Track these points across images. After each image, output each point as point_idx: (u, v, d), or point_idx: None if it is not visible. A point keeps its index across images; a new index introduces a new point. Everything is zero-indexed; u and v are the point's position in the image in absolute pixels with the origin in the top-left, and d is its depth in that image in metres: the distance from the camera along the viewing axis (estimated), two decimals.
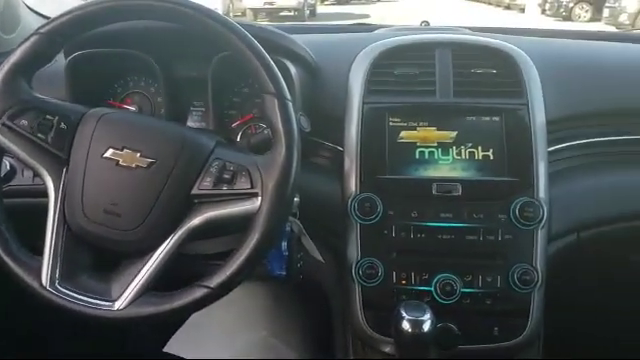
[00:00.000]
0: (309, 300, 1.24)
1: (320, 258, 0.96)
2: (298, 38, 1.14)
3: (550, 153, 1.00)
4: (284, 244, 0.90)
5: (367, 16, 11.42)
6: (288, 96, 0.79)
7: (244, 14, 13.74)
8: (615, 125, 1.08)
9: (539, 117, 0.99)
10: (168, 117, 1.06)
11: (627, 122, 1.09)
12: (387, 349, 0.93)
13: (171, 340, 1.30)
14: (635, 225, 1.02)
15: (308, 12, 14.09)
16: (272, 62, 0.80)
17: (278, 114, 0.78)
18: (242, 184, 0.77)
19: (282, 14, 13.88)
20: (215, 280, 0.75)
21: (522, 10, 16.68)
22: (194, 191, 0.77)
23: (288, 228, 0.90)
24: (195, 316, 1.15)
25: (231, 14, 13.58)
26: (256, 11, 13.56)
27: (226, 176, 0.77)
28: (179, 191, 0.77)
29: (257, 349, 1.21)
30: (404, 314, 0.84)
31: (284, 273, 0.91)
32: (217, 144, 0.80)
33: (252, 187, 0.76)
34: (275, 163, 0.76)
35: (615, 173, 1.05)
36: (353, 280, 0.96)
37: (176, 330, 1.31)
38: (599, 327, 1.26)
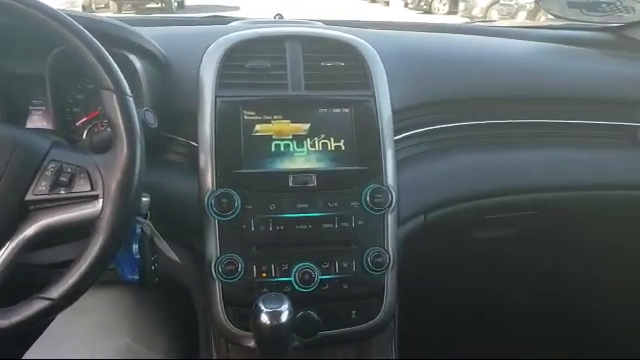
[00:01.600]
0: (173, 301, 1.20)
1: (176, 259, 0.93)
2: (149, 31, 1.10)
3: (397, 141, 1.05)
4: (135, 247, 0.86)
5: (237, 8, 11.29)
6: (128, 91, 0.76)
7: (107, 6, 13.03)
8: (458, 112, 1.16)
9: (385, 108, 1.03)
10: (4, 118, 0.97)
11: (470, 109, 1.17)
12: (250, 344, 0.93)
13: (27, 353, 1.21)
14: (475, 205, 1.10)
15: (176, 4, 13.65)
16: (109, 56, 0.76)
17: (117, 110, 0.74)
18: (81, 186, 0.73)
19: (149, 6, 13.33)
20: (56, 291, 0.71)
21: (387, 3, 17.41)
22: (28, 197, 0.72)
23: (139, 230, 0.87)
24: (53, 326, 1.08)
25: (93, 6, 12.82)
26: (120, 3, 12.90)
27: (63, 179, 0.73)
28: (11, 198, 0.71)
29: (120, 356, 1.15)
30: (262, 307, 0.84)
31: (137, 277, 0.88)
32: (53, 145, 0.75)
33: (92, 189, 0.73)
34: (116, 162, 0.73)
35: (457, 157, 1.13)
36: (213, 278, 0.95)
37: (33, 342, 1.22)
38: (451, 304, 1.35)
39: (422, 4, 14.72)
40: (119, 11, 12.62)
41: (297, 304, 0.92)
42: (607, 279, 1.44)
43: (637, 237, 1.33)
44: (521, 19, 9.64)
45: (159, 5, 13.30)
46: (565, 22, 1.62)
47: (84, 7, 11.45)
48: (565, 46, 1.38)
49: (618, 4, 1.39)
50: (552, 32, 1.52)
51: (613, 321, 1.46)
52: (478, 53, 1.26)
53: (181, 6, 14.19)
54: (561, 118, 1.19)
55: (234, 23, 1.30)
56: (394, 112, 1.05)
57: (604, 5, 1.41)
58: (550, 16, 1.59)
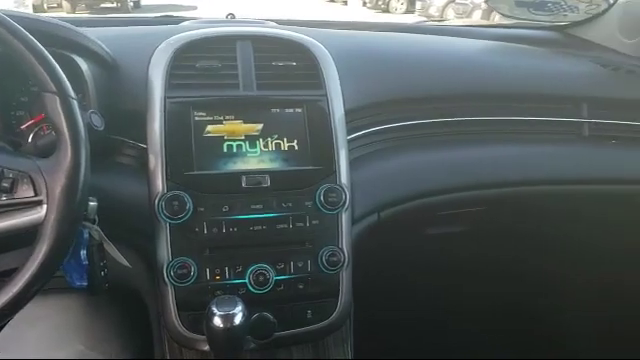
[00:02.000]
0: (126, 307, 1.18)
1: (126, 264, 0.91)
2: (98, 32, 1.07)
3: (350, 141, 1.06)
4: (83, 253, 0.84)
5: (194, 8, 11.17)
6: (72, 94, 0.75)
7: (60, 6, 12.70)
8: (410, 111, 1.17)
9: (338, 107, 1.04)
10: None
11: (421, 108, 1.18)
12: (205, 347, 0.92)
13: None
14: (427, 202, 1.11)
15: (132, 4, 13.41)
16: (51, 58, 0.74)
17: (61, 114, 0.73)
18: (24, 192, 0.71)
19: (103, 5, 13.06)
20: None
21: (345, 2, 17.49)
22: None
23: (86, 235, 0.85)
24: (2, 337, 1.05)
25: (45, 5, 12.49)
26: (73, 3, 12.59)
27: (5, 184, 0.71)
28: None
29: None
30: (215, 310, 0.83)
31: (85, 283, 0.85)
32: None
33: (36, 195, 0.71)
34: (60, 167, 0.71)
35: (409, 155, 1.14)
36: (165, 282, 0.94)
37: None
38: (406, 301, 1.37)
39: (380, 3, 14.84)
40: (72, 11, 12.33)
41: (252, 306, 0.92)
42: (559, 273, 1.49)
43: (586, 230, 1.37)
44: (476, 18, 9.82)
45: (114, 5, 13.04)
46: (515, 21, 1.66)
47: (35, 7, 11.15)
48: (515, 45, 1.42)
49: (563, 3, 1.43)
50: (503, 31, 1.56)
51: (566, 315, 1.50)
52: (430, 52, 1.28)
53: (137, 6, 13.93)
54: (510, 115, 1.21)
55: (185, 23, 1.28)
56: (347, 112, 1.05)
57: (550, 4, 1.45)
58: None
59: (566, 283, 1.38)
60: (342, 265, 0.98)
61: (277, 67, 1.05)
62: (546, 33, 1.53)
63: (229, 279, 0.95)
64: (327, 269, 0.97)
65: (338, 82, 1.06)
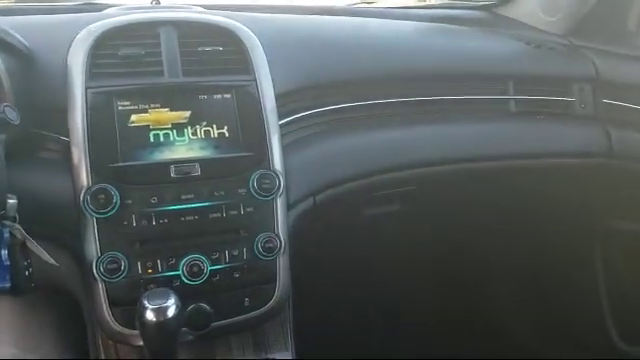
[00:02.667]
0: (60, 307, 1.14)
1: (52, 261, 0.88)
2: (11, 20, 1.02)
3: (282, 125, 1.05)
4: (4, 253, 0.81)
5: None
6: None
7: None
8: (341, 94, 1.17)
9: (268, 92, 1.02)
10: None
11: (352, 90, 1.18)
12: (139, 342, 0.90)
13: None
14: (361, 183, 1.12)
15: None
16: None
17: None
18: None
19: None
20: None
21: None
22: None
23: (7, 234, 0.81)
24: None
25: None
26: None
27: None
28: None
29: None
30: (147, 304, 0.82)
31: (8, 284, 0.82)
32: None
33: None
34: None
35: (341, 138, 1.14)
36: (95, 278, 0.91)
37: None
38: (346, 283, 1.38)
39: None
40: None
41: (188, 297, 0.90)
42: (496, 250, 1.53)
43: (517, 205, 1.41)
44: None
45: None
46: (444, 1, 1.69)
47: None
48: (444, 25, 1.44)
49: None
50: (432, 11, 1.58)
51: (503, 292, 1.54)
52: (359, 35, 1.28)
53: None
54: (439, 95, 1.23)
55: (107, 10, 1.23)
56: (277, 96, 1.04)
57: None
58: None
59: (505, 261, 1.42)
60: (279, 251, 0.98)
61: (203, 53, 1.02)
62: (474, 13, 1.55)
63: (162, 272, 0.93)
64: (263, 256, 0.97)
65: (267, 66, 1.04)
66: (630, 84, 1.32)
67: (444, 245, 1.36)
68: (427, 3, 1.92)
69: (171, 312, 0.81)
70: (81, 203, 0.91)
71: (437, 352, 1.47)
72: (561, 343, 1.53)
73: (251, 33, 1.07)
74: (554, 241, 1.47)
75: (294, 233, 1.03)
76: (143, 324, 0.81)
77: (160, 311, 0.81)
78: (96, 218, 0.91)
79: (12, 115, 0.83)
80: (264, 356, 1.05)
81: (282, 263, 0.99)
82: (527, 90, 1.29)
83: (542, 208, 1.40)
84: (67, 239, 0.94)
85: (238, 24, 1.07)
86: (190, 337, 0.94)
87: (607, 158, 1.30)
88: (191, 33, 1.04)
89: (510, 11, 1.50)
